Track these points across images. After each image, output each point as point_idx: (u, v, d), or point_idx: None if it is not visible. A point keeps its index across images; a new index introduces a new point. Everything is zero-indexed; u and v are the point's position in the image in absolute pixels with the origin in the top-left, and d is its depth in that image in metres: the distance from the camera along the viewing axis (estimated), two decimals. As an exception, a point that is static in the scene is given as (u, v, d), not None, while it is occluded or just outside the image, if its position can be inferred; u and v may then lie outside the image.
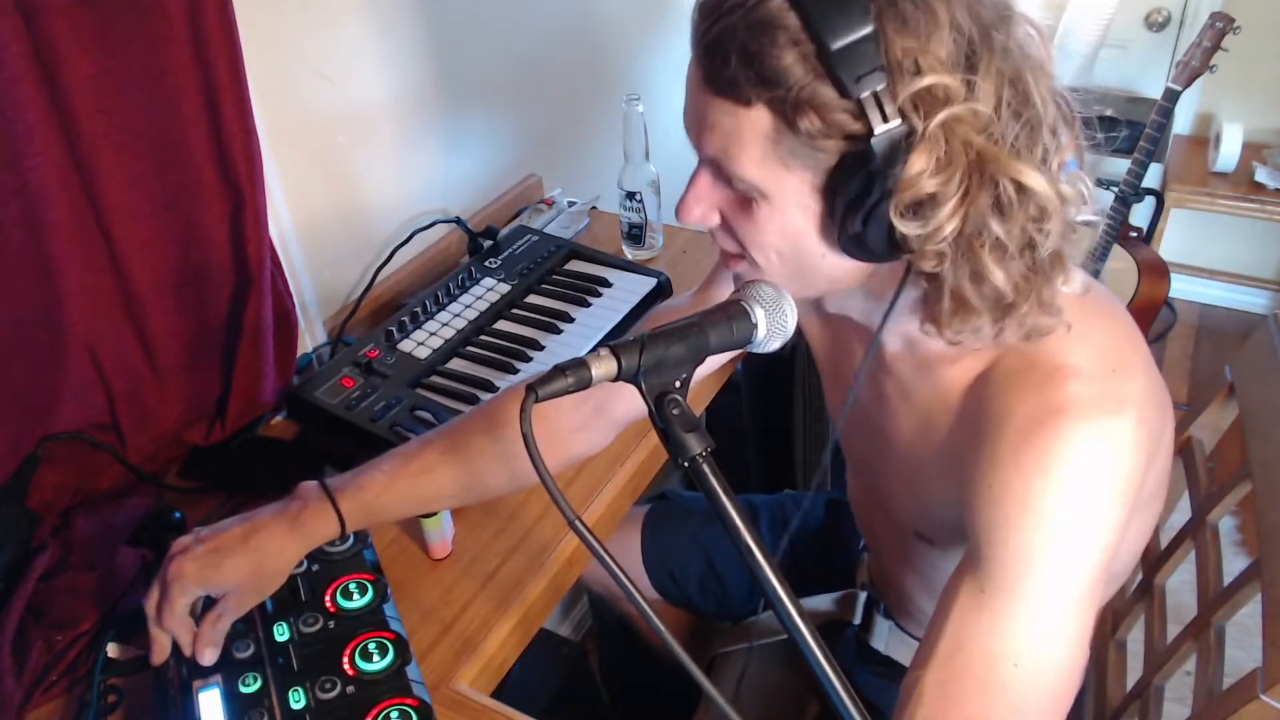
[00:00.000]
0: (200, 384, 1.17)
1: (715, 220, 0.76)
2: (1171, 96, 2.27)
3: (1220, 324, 3.01)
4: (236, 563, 0.84)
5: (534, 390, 0.62)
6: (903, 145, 0.64)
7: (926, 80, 0.62)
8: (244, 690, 0.82)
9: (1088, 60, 2.42)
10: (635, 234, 1.53)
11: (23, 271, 0.95)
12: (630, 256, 1.54)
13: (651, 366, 0.64)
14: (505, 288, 1.38)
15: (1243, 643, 0.96)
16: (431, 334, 1.29)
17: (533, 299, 1.39)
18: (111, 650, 0.91)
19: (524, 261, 1.43)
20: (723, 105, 0.67)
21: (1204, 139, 2.81)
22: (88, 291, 1.02)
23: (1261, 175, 2.63)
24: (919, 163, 0.64)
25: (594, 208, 1.67)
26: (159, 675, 0.85)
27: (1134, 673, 1.10)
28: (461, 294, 1.37)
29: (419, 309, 1.31)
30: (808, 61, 0.62)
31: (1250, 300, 3.03)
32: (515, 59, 1.63)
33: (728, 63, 0.64)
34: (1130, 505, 0.71)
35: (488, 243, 1.47)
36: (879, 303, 0.78)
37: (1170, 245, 2.87)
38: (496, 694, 0.94)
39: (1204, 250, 2.96)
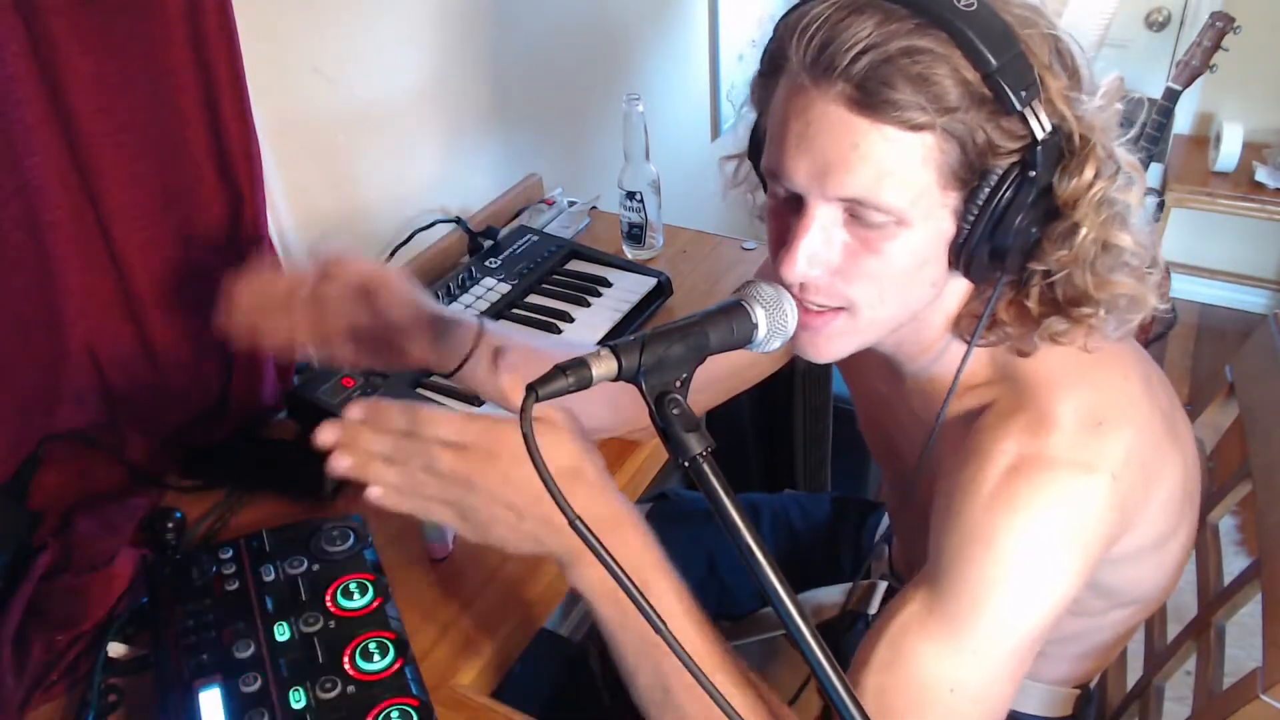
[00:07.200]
0: (200, 384, 1.17)
1: (820, 274, 0.72)
2: (1172, 96, 2.28)
3: (1220, 324, 3.01)
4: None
5: (534, 390, 0.62)
6: (1065, 152, 0.68)
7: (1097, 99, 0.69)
8: (244, 690, 0.82)
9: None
10: (635, 234, 1.53)
11: (23, 271, 0.95)
12: (630, 256, 1.54)
13: (652, 366, 0.64)
14: (505, 287, 1.38)
15: (1243, 643, 0.96)
16: (431, 334, 1.29)
17: (533, 299, 1.39)
18: (112, 650, 0.91)
19: (524, 261, 1.43)
20: (883, 131, 0.65)
21: (1204, 138, 2.81)
22: (88, 291, 1.02)
23: (1262, 175, 2.63)
24: (1091, 169, 0.68)
25: (594, 208, 1.67)
26: (159, 675, 0.85)
27: (1134, 673, 1.10)
28: (462, 294, 1.37)
29: (419, 309, 1.31)
30: (970, 84, 0.64)
31: (1250, 300, 3.02)
32: (516, 58, 1.63)
33: (892, 88, 0.64)
34: (1095, 559, 0.73)
35: (488, 242, 1.47)
36: (913, 338, 0.81)
37: (1170, 245, 2.87)
38: (496, 694, 0.94)
39: (1204, 250, 2.95)
